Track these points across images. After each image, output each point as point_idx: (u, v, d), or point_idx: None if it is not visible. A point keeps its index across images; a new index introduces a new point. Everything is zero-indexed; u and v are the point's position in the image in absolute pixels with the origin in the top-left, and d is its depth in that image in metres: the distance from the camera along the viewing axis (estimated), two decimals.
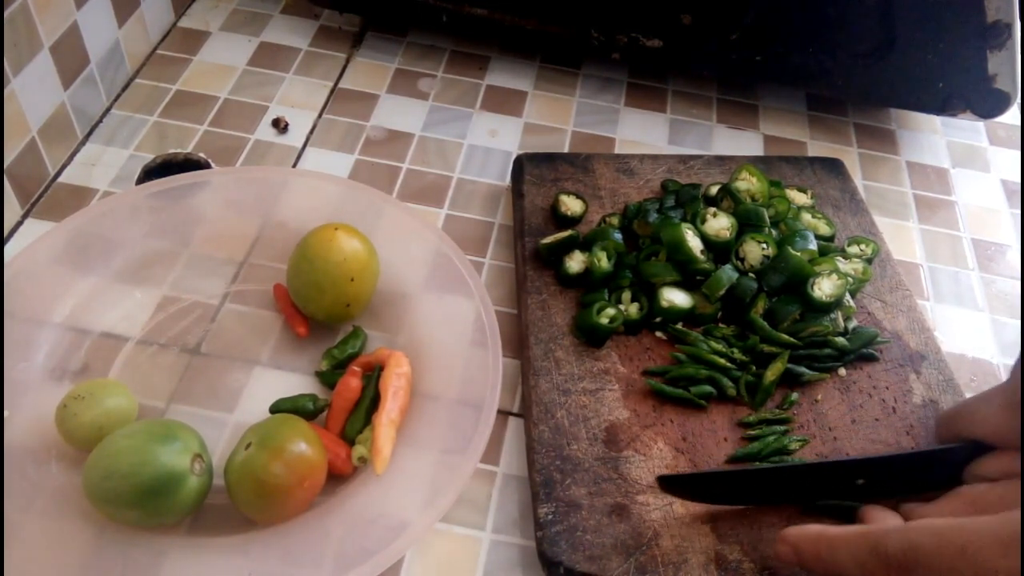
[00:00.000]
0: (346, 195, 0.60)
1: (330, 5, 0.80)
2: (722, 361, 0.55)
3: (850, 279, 0.59)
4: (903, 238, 0.71)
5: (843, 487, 0.49)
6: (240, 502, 0.46)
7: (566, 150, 0.75)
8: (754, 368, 0.56)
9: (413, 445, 0.50)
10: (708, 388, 0.54)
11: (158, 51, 0.79)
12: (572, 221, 0.64)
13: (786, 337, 0.56)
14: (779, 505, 0.49)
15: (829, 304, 0.56)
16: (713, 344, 0.56)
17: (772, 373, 0.55)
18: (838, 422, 0.54)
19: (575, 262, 0.60)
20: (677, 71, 0.83)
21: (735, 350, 0.56)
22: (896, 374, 0.57)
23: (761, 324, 0.56)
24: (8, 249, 0.61)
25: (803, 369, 0.56)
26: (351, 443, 0.50)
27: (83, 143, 0.69)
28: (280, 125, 0.73)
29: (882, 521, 0.46)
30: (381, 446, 0.48)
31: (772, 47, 0.74)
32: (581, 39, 0.76)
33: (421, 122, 0.75)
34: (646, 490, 0.50)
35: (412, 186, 0.70)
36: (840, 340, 0.56)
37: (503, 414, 0.56)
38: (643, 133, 0.77)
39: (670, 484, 0.49)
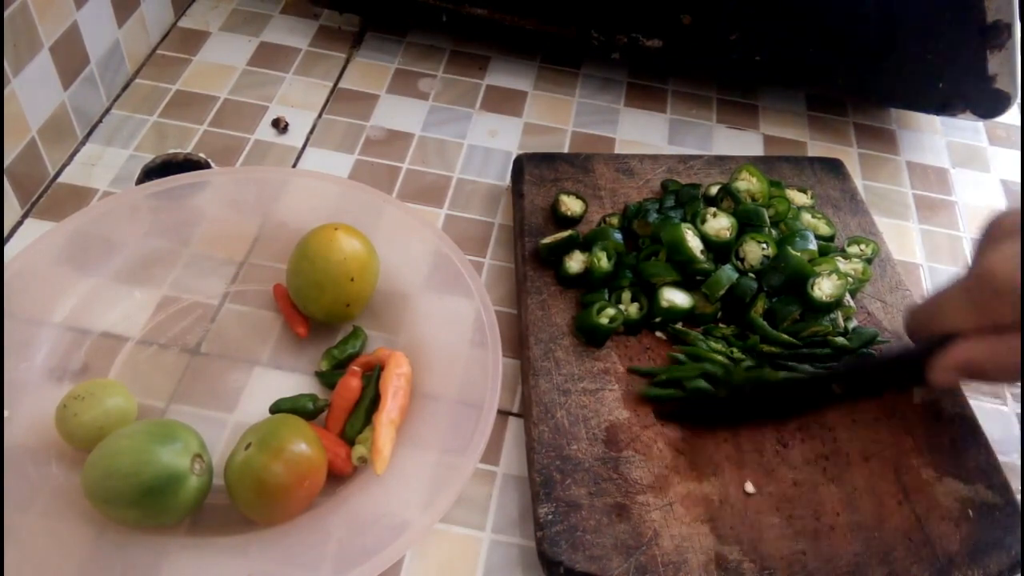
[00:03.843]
0: (346, 195, 0.60)
1: (330, 5, 0.80)
2: (720, 358, 0.55)
3: (850, 279, 0.59)
4: (903, 238, 0.71)
5: (822, 396, 0.54)
6: (240, 502, 0.46)
7: (566, 150, 0.75)
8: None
9: (413, 445, 0.50)
10: (702, 383, 0.54)
11: (158, 51, 0.79)
12: (572, 221, 0.64)
13: (786, 337, 0.56)
14: (764, 421, 0.53)
15: (829, 304, 0.56)
16: (712, 344, 0.56)
17: (772, 374, 0.54)
18: (838, 422, 0.54)
19: (575, 262, 0.60)
20: (677, 71, 0.83)
21: (734, 350, 0.56)
22: None
23: (761, 324, 0.56)
24: (8, 249, 0.61)
25: (805, 367, 0.55)
26: (351, 443, 0.50)
27: (83, 143, 0.69)
28: (280, 125, 0.73)
29: None
30: (381, 446, 0.48)
31: (772, 47, 0.74)
32: (581, 39, 0.76)
33: (421, 122, 0.75)
34: (646, 490, 0.50)
35: (412, 186, 0.70)
36: (840, 340, 0.56)
37: (503, 414, 0.56)
38: (643, 133, 0.77)
39: (663, 414, 0.53)
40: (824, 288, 0.57)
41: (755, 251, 0.59)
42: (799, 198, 0.67)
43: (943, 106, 0.74)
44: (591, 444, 0.51)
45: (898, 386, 0.55)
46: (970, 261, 0.52)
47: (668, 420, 0.53)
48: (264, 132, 0.72)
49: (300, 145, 0.72)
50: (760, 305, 0.58)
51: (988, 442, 0.54)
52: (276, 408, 0.52)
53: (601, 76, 0.82)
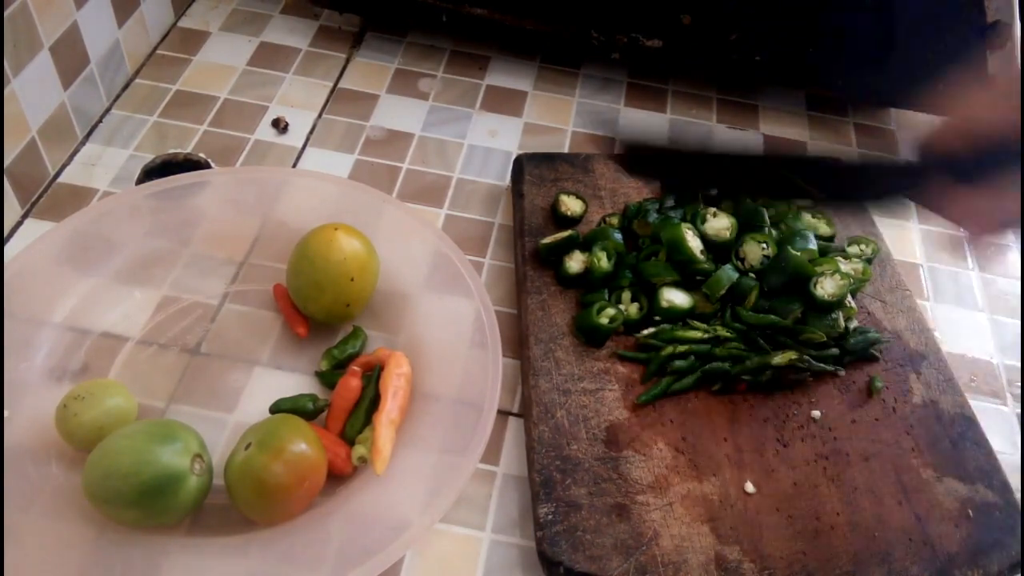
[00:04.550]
0: (346, 195, 0.60)
1: (330, 5, 0.80)
2: (697, 335, 0.55)
3: (850, 279, 0.59)
4: (903, 238, 0.71)
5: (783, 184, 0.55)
6: (240, 502, 0.46)
7: (566, 150, 0.75)
8: (754, 357, 0.56)
9: (413, 445, 0.50)
10: (692, 360, 0.55)
11: (158, 51, 0.79)
12: (572, 221, 0.64)
13: (773, 318, 0.56)
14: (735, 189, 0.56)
15: (832, 303, 0.56)
16: (694, 324, 0.57)
17: (783, 358, 0.55)
18: (838, 422, 0.54)
19: (575, 262, 0.60)
20: (677, 71, 0.83)
21: (717, 327, 0.56)
22: (896, 374, 0.57)
23: (748, 314, 0.56)
24: (8, 249, 0.61)
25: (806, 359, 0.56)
26: (351, 443, 0.50)
27: (83, 143, 0.69)
28: (280, 125, 0.73)
29: None
30: (381, 446, 0.48)
31: (772, 47, 0.74)
32: (581, 39, 0.76)
33: (421, 122, 0.75)
34: (646, 490, 0.50)
35: (412, 186, 0.70)
36: (834, 351, 0.57)
37: (503, 414, 0.56)
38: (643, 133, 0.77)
39: (633, 166, 0.55)
40: (827, 287, 0.57)
41: (755, 251, 0.59)
42: None
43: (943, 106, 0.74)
44: (591, 444, 0.51)
45: (868, 192, 0.53)
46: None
47: (637, 172, 0.55)
48: (264, 132, 0.72)
49: (300, 145, 0.72)
50: (753, 296, 0.57)
51: (988, 442, 0.54)
52: (276, 408, 0.52)
53: (601, 76, 0.82)
